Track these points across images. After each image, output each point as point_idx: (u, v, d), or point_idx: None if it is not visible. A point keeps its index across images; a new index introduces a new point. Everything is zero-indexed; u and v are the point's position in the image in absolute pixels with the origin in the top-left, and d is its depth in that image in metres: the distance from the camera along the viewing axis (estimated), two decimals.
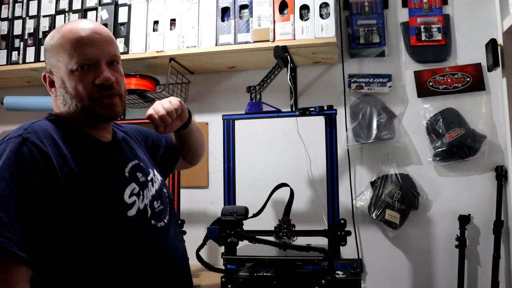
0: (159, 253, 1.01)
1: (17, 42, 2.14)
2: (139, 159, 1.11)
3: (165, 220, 1.06)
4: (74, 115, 1.01)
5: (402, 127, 1.98)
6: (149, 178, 1.09)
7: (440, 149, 1.90)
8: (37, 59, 2.08)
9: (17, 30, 2.15)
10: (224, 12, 1.92)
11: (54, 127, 0.97)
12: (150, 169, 1.12)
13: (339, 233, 1.56)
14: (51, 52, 1.01)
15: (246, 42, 1.86)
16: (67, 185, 0.89)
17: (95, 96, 0.99)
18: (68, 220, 0.89)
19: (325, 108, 1.73)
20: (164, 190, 1.14)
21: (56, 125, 0.99)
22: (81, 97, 0.98)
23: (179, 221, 1.88)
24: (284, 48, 1.80)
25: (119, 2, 2.03)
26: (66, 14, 2.09)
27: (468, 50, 1.95)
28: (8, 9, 2.18)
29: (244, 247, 1.58)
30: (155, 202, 1.06)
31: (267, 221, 1.76)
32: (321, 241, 1.61)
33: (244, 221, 1.40)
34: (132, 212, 0.97)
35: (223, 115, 1.87)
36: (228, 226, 1.36)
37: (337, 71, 2.06)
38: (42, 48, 2.06)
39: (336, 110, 1.74)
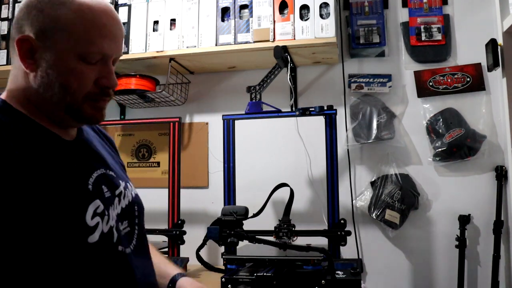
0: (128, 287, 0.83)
1: None
2: (108, 166, 0.91)
3: (132, 246, 0.88)
4: (42, 102, 0.81)
5: (402, 127, 1.98)
6: (116, 192, 0.89)
7: (440, 149, 1.90)
8: None
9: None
10: (224, 12, 1.92)
11: (1, 121, 0.75)
12: (120, 180, 0.92)
13: (339, 233, 1.56)
14: (51, 19, 0.79)
15: (246, 42, 1.86)
16: (13, 201, 0.69)
17: (92, 97, 0.82)
18: (13, 248, 0.69)
19: (325, 108, 1.73)
20: (135, 207, 0.95)
21: (3, 116, 0.77)
22: (74, 93, 0.80)
23: (179, 221, 1.89)
24: (284, 48, 1.80)
25: (119, 2, 2.03)
26: None
27: (468, 50, 1.94)
28: (8, 9, 2.18)
29: (244, 247, 1.58)
30: (120, 223, 0.86)
31: (267, 221, 1.76)
32: (321, 241, 1.62)
33: (244, 221, 1.41)
34: (94, 237, 0.76)
35: (223, 115, 1.87)
36: (228, 226, 1.36)
37: (337, 71, 2.06)
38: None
39: (336, 110, 1.74)
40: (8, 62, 2.11)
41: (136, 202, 0.95)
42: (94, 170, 0.85)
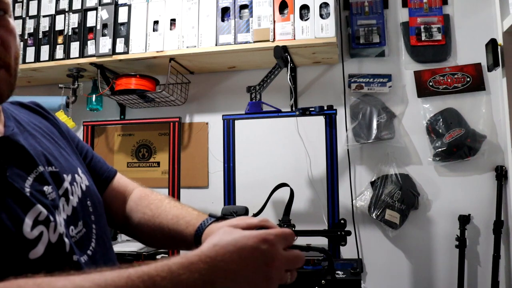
0: None
1: None
2: (48, 161, 0.72)
3: (91, 248, 0.73)
4: None
5: (402, 127, 1.98)
6: (61, 190, 0.71)
7: (440, 149, 1.90)
8: (37, 59, 2.08)
9: (17, 30, 2.14)
10: (224, 12, 1.92)
11: None
12: (65, 174, 0.74)
13: (339, 233, 1.56)
14: None
15: (246, 42, 1.86)
16: None
17: None
18: None
19: (325, 108, 1.73)
20: (88, 202, 0.78)
21: None
22: None
23: None
24: (284, 48, 1.80)
25: (119, 2, 2.03)
26: (66, 14, 2.08)
27: (468, 50, 1.95)
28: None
29: None
30: (71, 227, 0.71)
31: None
32: (321, 241, 1.62)
33: None
34: (37, 251, 0.61)
35: (223, 115, 1.87)
36: None
37: (337, 71, 2.06)
38: (42, 48, 2.07)
39: (336, 110, 1.74)
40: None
41: (88, 195, 0.78)
42: (32, 170, 0.68)
